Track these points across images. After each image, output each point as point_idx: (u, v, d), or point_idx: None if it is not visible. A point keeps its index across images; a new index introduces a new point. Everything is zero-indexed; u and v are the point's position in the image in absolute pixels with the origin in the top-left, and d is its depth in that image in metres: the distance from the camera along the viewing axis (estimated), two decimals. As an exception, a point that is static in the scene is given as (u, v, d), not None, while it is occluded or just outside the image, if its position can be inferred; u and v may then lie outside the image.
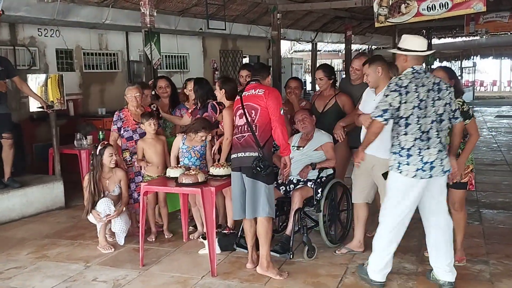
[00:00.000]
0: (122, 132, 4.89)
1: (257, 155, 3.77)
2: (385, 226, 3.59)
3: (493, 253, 4.28)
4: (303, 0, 11.18)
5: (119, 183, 4.71)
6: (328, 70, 4.86)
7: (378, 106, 3.41)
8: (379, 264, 3.65)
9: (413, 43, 3.52)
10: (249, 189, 3.83)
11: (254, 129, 3.82)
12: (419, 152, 3.39)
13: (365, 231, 4.39)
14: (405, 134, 3.40)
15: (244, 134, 3.87)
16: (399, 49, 3.54)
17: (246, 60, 14.17)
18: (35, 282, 3.97)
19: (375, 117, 3.41)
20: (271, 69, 10.74)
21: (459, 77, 4.08)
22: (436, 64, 20.28)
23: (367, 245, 4.35)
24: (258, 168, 3.72)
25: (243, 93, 3.97)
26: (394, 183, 3.52)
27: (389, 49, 19.27)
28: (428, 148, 3.39)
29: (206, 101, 4.86)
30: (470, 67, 26.74)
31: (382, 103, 3.40)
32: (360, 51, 22.17)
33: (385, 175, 3.95)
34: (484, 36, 18.61)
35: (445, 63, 21.75)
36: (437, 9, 7.61)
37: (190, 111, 5.09)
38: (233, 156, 3.96)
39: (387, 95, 3.39)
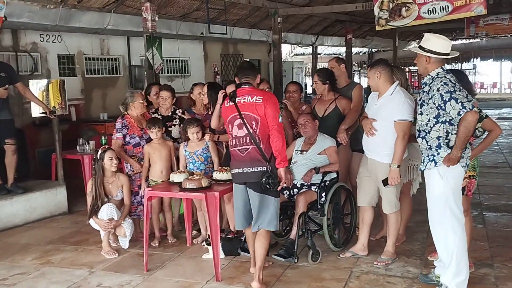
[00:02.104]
0: (128, 139, 4.88)
1: (265, 169, 3.60)
2: (460, 227, 3.44)
3: (498, 256, 4.27)
4: (304, 4, 11.21)
5: (121, 188, 4.72)
6: (323, 74, 4.86)
7: (462, 102, 3.24)
8: (467, 269, 3.49)
9: (438, 45, 3.44)
10: (256, 202, 3.68)
11: (258, 141, 3.62)
12: (464, 150, 3.40)
13: (369, 234, 4.39)
14: (456, 133, 3.35)
15: (248, 147, 3.64)
16: (423, 49, 3.44)
17: (246, 64, 14.16)
18: (40, 288, 3.98)
19: (471, 109, 3.23)
20: (273, 73, 10.81)
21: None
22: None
23: (371, 249, 4.37)
24: (267, 185, 3.59)
25: (237, 98, 3.70)
26: (438, 182, 3.42)
27: (389, 52, 19.38)
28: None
29: None
30: (471, 69, 26.75)
31: (461, 97, 3.25)
32: (360, 54, 22.23)
33: (384, 182, 3.97)
34: (484, 39, 18.64)
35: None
36: (438, 12, 7.63)
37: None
38: (236, 170, 3.71)
39: (455, 91, 3.28)
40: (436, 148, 3.42)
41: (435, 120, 3.39)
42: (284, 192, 4.47)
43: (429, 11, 7.68)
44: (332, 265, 4.19)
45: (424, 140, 3.50)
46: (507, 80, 30.80)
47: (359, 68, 24.26)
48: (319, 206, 4.35)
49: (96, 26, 8.28)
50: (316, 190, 4.36)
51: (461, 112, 3.26)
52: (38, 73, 8.11)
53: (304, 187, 4.43)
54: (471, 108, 3.26)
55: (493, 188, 6.72)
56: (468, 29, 14.88)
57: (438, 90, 3.34)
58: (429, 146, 3.47)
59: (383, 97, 3.99)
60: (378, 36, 17.99)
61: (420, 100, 3.52)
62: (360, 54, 22.22)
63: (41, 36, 8.15)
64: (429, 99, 3.39)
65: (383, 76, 3.96)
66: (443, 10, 7.59)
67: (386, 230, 4.39)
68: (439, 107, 3.34)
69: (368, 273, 4.01)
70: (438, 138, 3.40)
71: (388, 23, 8.11)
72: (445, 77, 3.39)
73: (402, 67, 14.76)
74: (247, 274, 4.05)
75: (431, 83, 3.43)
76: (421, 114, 3.49)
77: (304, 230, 4.23)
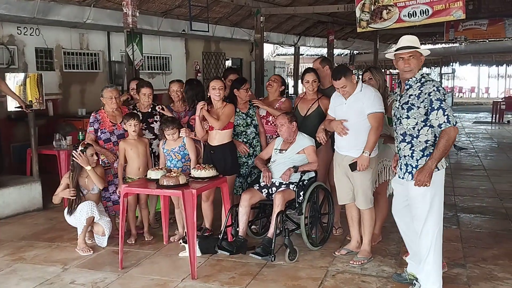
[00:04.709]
0: (99, 134, 4.85)
1: None
2: (439, 231, 3.48)
3: (470, 256, 4.34)
4: (286, 4, 11.25)
5: None
6: (317, 73, 4.88)
7: (448, 115, 3.24)
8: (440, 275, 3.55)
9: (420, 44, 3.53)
10: None
11: None
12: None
13: (360, 230, 4.37)
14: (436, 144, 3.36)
15: None
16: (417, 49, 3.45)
17: (229, 63, 14.16)
18: (11, 285, 3.89)
19: (455, 125, 3.26)
20: (254, 72, 10.81)
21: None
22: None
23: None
24: None
25: None
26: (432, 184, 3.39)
27: (370, 54, 19.59)
28: None
29: (195, 103, 4.82)
30: (449, 73, 27.23)
31: (448, 109, 3.26)
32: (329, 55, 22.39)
33: (352, 166, 4.06)
34: (463, 43, 18.99)
35: (424, 69, 22.13)
36: (418, 16, 7.73)
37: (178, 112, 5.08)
38: None
39: (445, 100, 3.29)
40: (418, 157, 3.39)
41: (423, 123, 3.35)
42: (263, 190, 4.47)
43: (410, 14, 7.77)
44: (308, 264, 4.20)
45: (409, 144, 3.43)
46: (484, 85, 31.41)
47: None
48: (297, 205, 4.36)
49: (75, 20, 8.16)
50: (294, 189, 4.38)
51: (442, 126, 3.25)
52: (14, 66, 7.95)
53: (282, 186, 4.44)
54: (455, 123, 3.25)
55: (468, 190, 6.84)
56: (448, 34, 15.15)
57: (429, 94, 3.30)
58: (411, 152, 3.41)
59: (353, 95, 4.07)
60: (359, 38, 18.18)
61: (406, 103, 3.41)
62: (342, 55, 22.40)
63: (19, 28, 7.98)
64: (421, 102, 3.33)
65: (350, 79, 4.05)
66: (423, 13, 7.69)
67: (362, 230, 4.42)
68: (427, 112, 3.32)
69: (343, 272, 4.03)
70: (426, 142, 3.38)
71: (369, 25, 8.18)
72: (433, 80, 3.41)
73: (383, 70, 14.94)
74: (223, 272, 4.04)
75: (421, 86, 3.36)
76: (408, 118, 3.39)
77: (281, 228, 4.24)
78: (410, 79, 3.43)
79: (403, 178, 3.51)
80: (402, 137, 3.48)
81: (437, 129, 3.31)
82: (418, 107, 3.34)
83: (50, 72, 8.60)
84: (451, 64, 24.88)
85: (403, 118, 3.44)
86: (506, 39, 16.27)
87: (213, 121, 4.50)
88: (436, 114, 3.27)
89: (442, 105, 3.27)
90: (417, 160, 3.41)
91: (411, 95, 3.39)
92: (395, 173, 3.69)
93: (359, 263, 4.15)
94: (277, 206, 4.22)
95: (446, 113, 3.26)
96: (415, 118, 3.37)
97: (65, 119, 8.17)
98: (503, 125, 15.45)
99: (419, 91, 3.35)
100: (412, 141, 3.42)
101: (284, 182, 4.43)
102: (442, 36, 15.79)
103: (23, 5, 7.19)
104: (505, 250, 4.49)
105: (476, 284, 3.79)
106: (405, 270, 3.79)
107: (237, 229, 4.38)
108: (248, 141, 4.84)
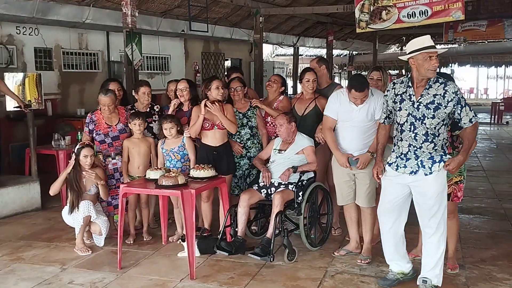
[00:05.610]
0: (94, 135, 4.84)
1: None
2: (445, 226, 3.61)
3: (469, 257, 4.34)
4: (286, 4, 11.25)
5: (95, 183, 4.63)
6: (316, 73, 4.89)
7: (473, 110, 3.42)
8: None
9: None
10: None
11: None
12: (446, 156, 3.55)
13: (359, 230, 4.38)
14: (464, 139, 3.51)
15: None
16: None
17: (228, 63, 14.17)
18: (10, 285, 3.88)
19: (477, 119, 3.48)
20: (253, 72, 10.82)
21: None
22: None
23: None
24: None
25: None
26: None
27: (370, 54, 19.61)
28: None
29: (198, 102, 4.80)
30: (448, 74, 27.18)
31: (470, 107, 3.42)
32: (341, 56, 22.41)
33: (352, 161, 4.14)
34: (462, 44, 19.01)
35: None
36: (417, 17, 7.74)
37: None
38: None
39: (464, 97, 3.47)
40: (443, 151, 3.45)
41: (443, 122, 3.40)
42: (262, 190, 4.47)
43: (409, 15, 7.79)
44: (307, 264, 4.20)
45: (432, 143, 3.42)
46: (483, 85, 31.45)
47: (340, 70, 24.48)
48: (296, 205, 4.36)
49: (74, 19, 8.15)
50: (293, 189, 4.37)
51: (473, 120, 3.40)
52: (13, 66, 7.94)
53: (281, 186, 4.44)
54: (478, 119, 3.49)
55: (467, 191, 6.81)
56: (447, 34, 15.15)
57: (456, 93, 3.36)
58: (435, 150, 3.42)
59: (365, 102, 4.08)
60: (358, 38, 18.18)
61: (432, 103, 3.36)
62: (341, 56, 22.41)
63: (18, 28, 7.97)
64: (448, 102, 3.34)
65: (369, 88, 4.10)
66: (422, 14, 7.71)
67: (360, 230, 4.42)
68: (452, 111, 3.38)
69: (342, 272, 4.03)
70: (443, 140, 3.46)
71: (368, 26, 8.19)
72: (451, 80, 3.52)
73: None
74: (222, 272, 4.04)
75: (444, 86, 3.37)
76: (433, 117, 3.36)
77: (280, 229, 4.24)
78: (430, 79, 3.41)
79: (432, 172, 3.44)
80: (425, 137, 3.42)
81: (468, 124, 3.41)
82: (446, 106, 3.36)
83: (49, 72, 8.59)
84: (450, 65, 24.90)
85: (427, 118, 3.38)
86: (505, 40, 16.29)
87: (231, 125, 4.51)
88: (466, 110, 3.40)
89: (466, 101, 3.43)
90: (441, 156, 3.44)
91: (436, 94, 3.38)
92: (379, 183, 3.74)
93: (366, 262, 4.15)
94: (276, 206, 4.22)
95: (471, 108, 3.43)
96: (439, 118, 3.38)
97: (64, 119, 8.16)
98: (502, 126, 15.48)
99: (444, 91, 3.37)
100: (434, 140, 3.42)
101: (283, 183, 4.43)
102: (441, 37, 15.78)
103: (22, 4, 7.18)
104: (504, 250, 4.49)
105: (475, 285, 3.79)
106: (390, 271, 3.79)
107: (236, 229, 4.37)
108: (242, 142, 4.83)
